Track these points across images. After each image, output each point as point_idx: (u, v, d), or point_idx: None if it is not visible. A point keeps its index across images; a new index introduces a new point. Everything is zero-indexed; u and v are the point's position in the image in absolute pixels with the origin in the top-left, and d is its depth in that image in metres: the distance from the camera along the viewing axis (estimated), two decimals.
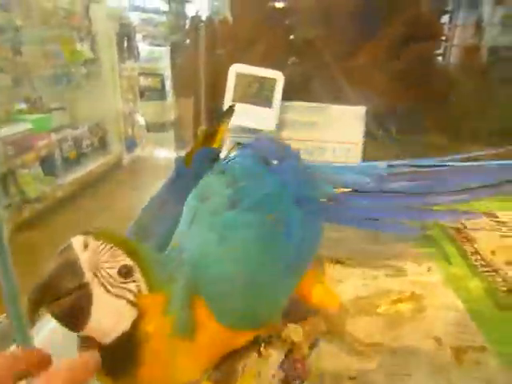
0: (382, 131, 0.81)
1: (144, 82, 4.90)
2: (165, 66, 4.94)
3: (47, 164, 3.18)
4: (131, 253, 0.31)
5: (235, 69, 0.76)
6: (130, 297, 0.30)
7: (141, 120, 4.49)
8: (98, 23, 3.97)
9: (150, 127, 4.48)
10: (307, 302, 0.42)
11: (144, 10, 5.28)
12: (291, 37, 0.89)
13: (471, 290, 0.52)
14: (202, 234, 0.37)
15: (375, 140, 0.83)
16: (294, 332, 0.41)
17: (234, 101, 0.78)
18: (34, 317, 0.28)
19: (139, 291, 0.30)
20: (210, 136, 0.53)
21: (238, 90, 0.77)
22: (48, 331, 0.44)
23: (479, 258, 0.60)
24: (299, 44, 0.88)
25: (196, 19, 0.92)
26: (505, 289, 0.52)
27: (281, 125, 0.83)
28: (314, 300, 0.42)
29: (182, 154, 0.57)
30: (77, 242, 0.29)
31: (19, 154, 2.75)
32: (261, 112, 0.78)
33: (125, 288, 0.30)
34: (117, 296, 0.29)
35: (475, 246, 0.63)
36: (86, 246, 0.29)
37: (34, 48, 3.26)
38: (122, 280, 0.30)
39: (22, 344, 0.34)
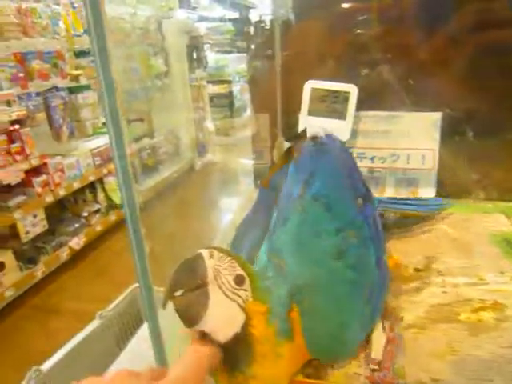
0: (458, 136, 0.81)
1: (212, 89, 5.14)
2: (231, 73, 5.12)
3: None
4: (243, 266, 0.38)
5: (310, 85, 0.81)
6: (241, 302, 0.36)
7: (210, 126, 4.71)
8: (170, 38, 4.23)
9: (220, 132, 4.68)
10: None
11: (210, 20, 5.51)
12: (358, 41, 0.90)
13: None
14: (304, 258, 0.43)
15: (451, 145, 0.82)
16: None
17: (308, 114, 0.83)
18: (165, 305, 0.36)
19: (247, 299, 0.36)
20: (285, 156, 0.59)
21: (312, 103, 0.82)
22: None
23: None
24: (368, 48, 0.90)
25: (259, 24, 0.95)
26: None
27: (354, 134, 0.86)
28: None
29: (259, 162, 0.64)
30: (205, 252, 0.37)
31: (105, 164, 3.04)
32: (335, 124, 0.81)
33: (237, 294, 0.36)
34: (230, 299, 0.36)
35: None
36: (211, 256, 0.36)
37: (116, 66, 3.57)
38: (236, 287, 0.36)
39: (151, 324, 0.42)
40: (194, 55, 5.14)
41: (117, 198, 3.16)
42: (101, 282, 2.41)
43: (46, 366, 1.01)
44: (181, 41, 4.37)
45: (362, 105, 0.83)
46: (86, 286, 2.40)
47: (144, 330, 0.55)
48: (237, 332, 0.36)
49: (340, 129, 0.82)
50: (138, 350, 0.49)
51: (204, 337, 0.36)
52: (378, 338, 0.46)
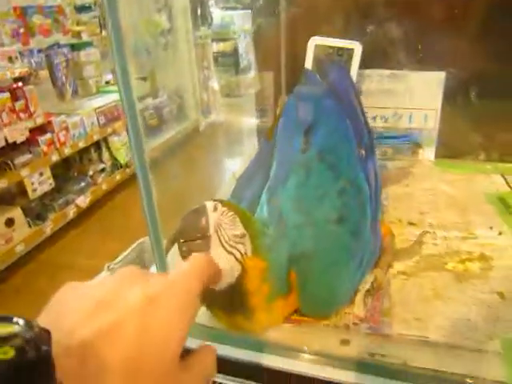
0: (461, 96, 0.81)
1: (217, 47, 5.00)
2: (237, 30, 4.96)
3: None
4: (245, 222, 0.40)
5: (314, 41, 0.80)
6: (238, 255, 0.39)
7: (215, 86, 4.63)
8: None
9: (225, 92, 4.61)
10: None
11: None
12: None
13: None
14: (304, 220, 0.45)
15: (454, 106, 0.83)
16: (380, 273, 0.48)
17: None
18: (168, 250, 0.39)
19: (246, 253, 0.39)
20: None
21: (316, 61, 0.81)
22: None
23: None
24: (373, 4, 0.88)
25: None
26: None
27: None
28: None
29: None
30: (209, 204, 0.39)
31: (110, 123, 3.03)
32: None
33: (236, 248, 0.39)
34: (228, 252, 0.38)
35: None
36: (215, 209, 0.39)
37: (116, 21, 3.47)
38: (235, 241, 0.39)
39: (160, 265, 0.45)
40: (199, 11, 4.96)
41: (121, 158, 3.18)
42: (107, 238, 2.48)
43: None
44: None
45: (366, 62, 0.83)
46: (93, 243, 2.47)
47: None
48: (231, 282, 0.38)
49: None
50: None
51: None
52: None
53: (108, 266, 1.28)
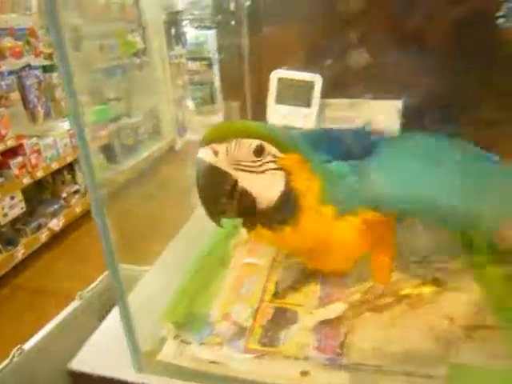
0: (416, 123, 0.85)
1: (192, 66, 5.05)
2: (211, 49, 5.04)
3: (108, 152, 3.44)
4: (253, 134, 0.39)
5: (276, 74, 0.84)
6: (272, 165, 0.39)
7: (190, 105, 4.66)
8: (148, 13, 4.12)
9: (200, 111, 4.64)
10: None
11: None
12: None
13: (490, 275, 0.57)
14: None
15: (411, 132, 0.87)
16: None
17: (276, 102, 0.86)
18: (218, 220, 0.40)
19: (276, 157, 0.39)
20: None
21: (279, 92, 0.85)
22: None
23: (503, 245, 0.65)
24: (333, 38, 0.92)
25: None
26: None
27: (322, 121, 0.90)
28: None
29: None
30: (205, 154, 0.38)
31: None
32: (301, 112, 0.85)
33: (264, 162, 0.39)
34: (263, 172, 0.39)
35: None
36: (216, 154, 0.38)
37: (91, 43, 3.48)
38: (259, 158, 0.39)
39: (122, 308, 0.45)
40: (173, 31, 5.03)
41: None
42: (82, 261, 2.43)
43: (29, 344, 1.05)
44: (159, 17, 4.26)
45: (328, 93, 0.87)
46: (67, 266, 2.42)
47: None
48: (281, 190, 0.39)
49: (306, 116, 0.85)
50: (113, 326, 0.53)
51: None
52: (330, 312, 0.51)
53: (80, 295, 1.26)
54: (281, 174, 0.39)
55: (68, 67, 0.38)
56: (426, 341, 0.47)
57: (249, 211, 0.39)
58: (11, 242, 2.39)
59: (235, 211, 0.39)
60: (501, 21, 1.01)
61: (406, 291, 0.56)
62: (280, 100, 0.85)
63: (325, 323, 0.50)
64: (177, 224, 0.92)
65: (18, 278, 2.35)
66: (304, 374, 0.44)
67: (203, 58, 5.21)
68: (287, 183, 0.40)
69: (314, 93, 0.83)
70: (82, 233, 2.84)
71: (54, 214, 2.71)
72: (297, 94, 0.84)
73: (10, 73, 2.62)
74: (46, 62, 2.93)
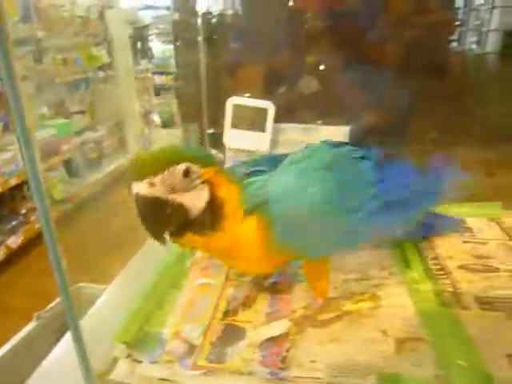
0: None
1: (158, 80, 5.06)
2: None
3: (71, 166, 3.38)
4: (178, 160, 0.44)
5: (232, 101, 0.88)
6: (198, 181, 0.45)
7: (156, 119, 4.65)
8: (113, 28, 4.10)
9: (165, 125, 4.64)
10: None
11: (156, 8, 5.38)
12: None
13: (422, 291, 0.63)
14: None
15: None
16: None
17: (232, 127, 0.91)
18: (163, 240, 0.46)
19: (199, 173, 0.45)
20: None
21: (235, 117, 0.90)
22: None
23: (437, 262, 0.71)
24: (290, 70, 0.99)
25: (206, 16, 0.97)
26: (450, 290, 0.64)
27: (276, 144, 0.95)
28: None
29: None
30: (141, 187, 0.43)
31: (46, 159, 2.94)
32: (256, 136, 0.90)
33: (192, 181, 0.45)
34: (193, 189, 0.45)
35: (437, 251, 0.75)
36: (151, 185, 0.43)
37: (54, 56, 3.43)
38: (188, 179, 0.44)
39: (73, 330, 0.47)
40: (139, 46, 5.03)
41: (57, 194, 3.07)
42: (43, 279, 2.35)
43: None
44: (124, 31, 4.26)
45: (282, 117, 0.92)
46: (28, 284, 2.34)
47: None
48: (206, 200, 0.46)
49: (261, 140, 0.90)
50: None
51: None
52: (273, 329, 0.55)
53: (37, 315, 1.24)
54: (205, 186, 0.46)
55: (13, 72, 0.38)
56: (361, 353, 0.52)
57: (182, 222, 0.45)
58: None
59: (172, 225, 0.45)
60: (451, 46, 1.11)
61: (347, 307, 0.61)
62: (235, 125, 0.90)
63: (270, 339, 0.54)
64: (138, 241, 0.94)
65: None
66: None
67: (169, 73, 5.22)
68: (211, 193, 0.46)
69: (267, 118, 0.88)
70: (43, 249, 2.76)
71: (13, 231, 2.63)
72: (252, 120, 0.89)
73: None
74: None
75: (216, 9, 0.99)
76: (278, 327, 0.55)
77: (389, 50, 0.99)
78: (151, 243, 0.82)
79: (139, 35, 4.91)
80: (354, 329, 0.57)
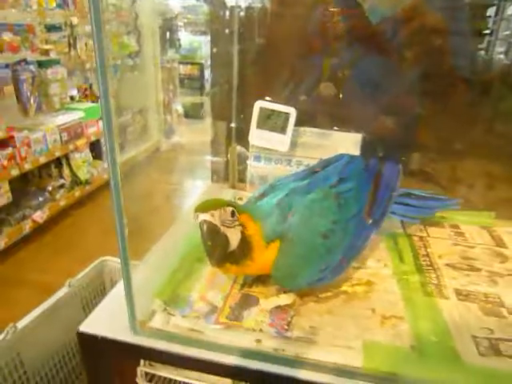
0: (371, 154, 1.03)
1: (183, 70, 5.19)
2: (204, 55, 5.16)
3: (96, 149, 3.54)
4: (227, 205, 0.62)
5: (259, 104, 1.00)
6: (237, 223, 0.61)
7: (179, 108, 4.79)
8: (143, 17, 4.22)
9: (188, 114, 4.77)
10: None
11: None
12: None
13: (410, 281, 0.74)
14: (303, 220, 0.67)
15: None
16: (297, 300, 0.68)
17: (257, 127, 1.02)
18: (217, 264, 0.63)
19: (238, 216, 0.61)
20: None
21: (260, 119, 1.01)
22: None
23: (427, 259, 0.82)
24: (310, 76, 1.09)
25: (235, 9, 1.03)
26: (435, 282, 0.75)
27: (295, 145, 1.06)
28: None
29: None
30: (208, 217, 0.59)
31: (72, 140, 3.09)
32: (277, 137, 1.01)
33: (234, 221, 0.61)
34: (233, 227, 0.61)
35: (428, 250, 0.85)
36: (212, 216, 0.59)
37: (86, 42, 3.57)
38: (233, 219, 0.61)
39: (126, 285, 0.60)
40: (167, 36, 5.15)
41: (82, 175, 3.23)
42: (61, 255, 2.51)
43: (22, 323, 1.16)
44: (154, 21, 4.38)
45: (302, 121, 1.03)
46: (47, 259, 2.49)
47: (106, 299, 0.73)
48: (240, 238, 0.62)
49: (281, 141, 1.01)
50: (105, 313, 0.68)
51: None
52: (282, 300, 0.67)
53: (69, 282, 1.38)
54: (239, 228, 0.62)
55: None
56: (351, 324, 0.63)
57: (225, 251, 0.61)
58: None
59: (219, 249, 0.61)
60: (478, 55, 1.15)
61: (344, 288, 0.72)
62: (260, 125, 1.01)
63: (278, 307, 0.66)
64: (159, 223, 1.06)
65: None
66: (258, 341, 0.59)
67: (195, 63, 5.33)
68: (243, 232, 0.63)
69: (289, 122, 0.99)
70: (64, 226, 2.93)
71: (39, 206, 2.79)
72: (275, 122, 1.00)
73: (6, 66, 2.71)
74: (42, 58, 3.02)
75: (245, 2, 1.05)
76: (286, 298, 0.67)
77: (412, 56, 1.07)
78: (177, 227, 0.94)
79: (168, 25, 5.04)
80: (348, 306, 0.68)
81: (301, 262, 0.65)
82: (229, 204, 0.62)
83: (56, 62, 3.12)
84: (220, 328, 0.62)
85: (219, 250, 0.60)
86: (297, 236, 0.65)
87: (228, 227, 0.61)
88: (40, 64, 2.95)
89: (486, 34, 1.12)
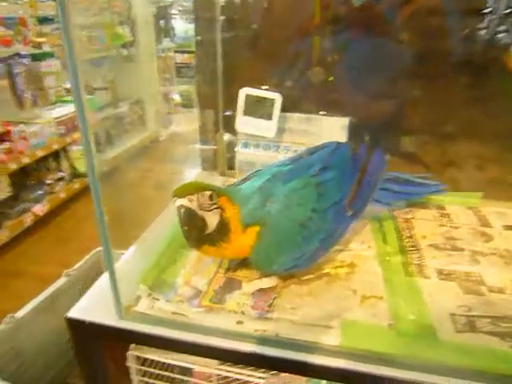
0: (359, 137, 1.03)
1: (180, 59, 5.15)
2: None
3: (94, 141, 3.53)
4: (206, 188, 0.63)
5: (244, 91, 1.00)
6: (215, 206, 0.63)
7: (176, 97, 4.77)
8: (137, 7, 4.19)
9: (185, 104, 4.75)
10: None
11: None
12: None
13: (392, 262, 0.76)
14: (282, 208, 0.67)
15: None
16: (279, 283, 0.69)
17: (243, 114, 1.03)
18: (194, 245, 0.65)
19: (217, 200, 0.63)
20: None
21: (246, 106, 1.01)
22: None
23: (411, 240, 0.83)
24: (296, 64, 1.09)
25: None
26: (417, 262, 0.76)
27: (283, 131, 1.07)
28: None
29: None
30: (185, 202, 0.61)
31: (69, 133, 3.10)
32: (263, 123, 1.02)
33: (212, 204, 0.63)
34: (211, 210, 0.63)
35: (412, 232, 0.86)
36: (190, 201, 0.61)
37: (80, 34, 3.55)
38: (211, 202, 0.63)
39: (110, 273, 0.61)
40: (162, 24, 5.10)
41: (80, 167, 3.24)
42: (64, 247, 2.54)
43: (20, 314, 1.19)
44: (148, 10, 4.34)
45: (288, 107, 1.04)
46: (47, 251, 2.52)
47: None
48: (218, 220, 0.63)
49: (268, 127, 1.02)
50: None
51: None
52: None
53: (66, 273, 1.41)
54: (218, 210, 0.64)
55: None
56: (331, 305, 0.65)
57: (202, 234, 0.63)
58: None
59: (196, 232, 0.63)
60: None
61: (327, 270, 0.74)
62: (247, 112, 1.02)
63: (260, 290, 0.67)
64: (153, 211, 1.07)
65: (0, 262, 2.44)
66: (239, 322, 0.61)
67: (191, 52, 5.29)
68: (221, 215, 0.64)
69: (274, 108, 1.00)
70: (64, 218, 2.95)
71: (39, 199, 2.82)
72: (261, 109, 1.01)
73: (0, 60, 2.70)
74: (35, 51, 3.01)
75: None
76: (268, 281, 0.68)
77: (405, 37, 1.06)
78: (165, 214, 0.96)
79: (162, 14, 4.99)
80: (330, 287, 0.70)
81: (277, 249, 0.66)
82: (207, 187, 0.63)
83: (50, 55, 3.11)
84: (202, 311, 0.63)
85: (196, 232, 0.62)
86: (275, 223, 0.65)
87: (206, 210, 0.62)
88: (34, 57, 2.94)
89: (486, 12, 1.10)
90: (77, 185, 3.15)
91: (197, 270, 0.74)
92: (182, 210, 0.60)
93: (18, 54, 2.81)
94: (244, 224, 0.65)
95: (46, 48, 3.06)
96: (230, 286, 0.69)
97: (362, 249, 0.80)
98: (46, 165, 3.02)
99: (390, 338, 0.59)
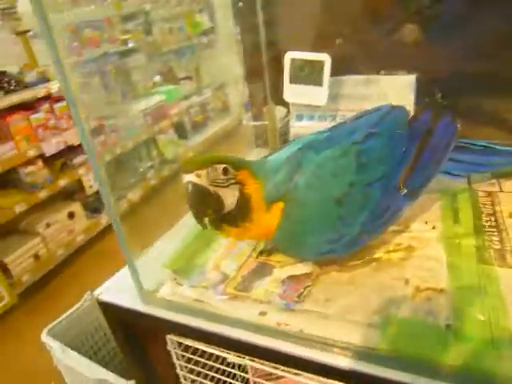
0: (429, 97, 0.86)
1: None
2: None
3: (179, 129, 3.71)
4: (219, 161, 0.55)
5: (289, 55, 0.90)
6: (232, 181, 0.55)
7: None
8: None
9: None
10: None
11: None
12: None
13: (463, 246, 0.61)
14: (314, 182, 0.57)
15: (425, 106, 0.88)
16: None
17: (290, 82, 0.93)
18: (204, 224, 0.55)
19: (234, 174, 0.55)
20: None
21: (292, 72, 0.91)
22: None
23: (493, 219, 0.66)
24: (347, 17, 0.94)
25: None
26: (497, 247, 0.60)
27: (335, 98, 0.94)
28: None
29: None
30: (192, 178, 0.53)
31: (157, 122, 3.27)
32: (313, 90, 0.90)
33: (228, 179, 0.54)
34: (227, 186, 0.54)
35: (496, 208, 0.69)
36: (198, 176, 0.53)
37: (161, 26, 3.70)
38: (226, 177, 0.54)
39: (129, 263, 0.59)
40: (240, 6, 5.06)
41: (168, 153, 3.43)
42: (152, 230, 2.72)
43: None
44: None
45: (341, 69, 0.91)
46: (139, 233, 2.73)
47: None
48: (238, 197, 0.55)
49: (318, 94, 0.91)
50: None
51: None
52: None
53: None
54: (237, 186, 0.55)
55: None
56: (375, 296, 0.54)
57: (220, 213, 0.55)
58: (96, 210, 2.76)
59: (210, 210, 0.54)
60: None
61: (378, 255, 0.62)
62: (294, 80, 0.91)
63: (293, 277, 0.59)
64: None
65: (100, 243, 2.70)
66: (262, 313, 0.54)
67: None
68: (241, 191, 0.55)
69: (324, 72, 0.88)
70: (156, 203, 3.16)
71: (132, 187, 3.04)
72: (309, 74, 0.90)
73: (91, 60, 2.95)
74: (122, 48, 3.21)
75: None
76: (301, 267, 0.59)
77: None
78: None
79: None
80: (377, 275, 0.58)
81: (304, 229, 0.55)
82: (222, 160, 0.55)
83: (135, 50, 3.30)
84: (226, 298, 0.58)
85: (210, 211, 0.54)
86: (302, 198, 0.55)
87: (220, 186, 0.54)
88: (120, 54, 3.15)
89: None
90: (166, 172, 3.33)
91: (229, 254, 0.68)
92: (190, 187, 0.53)
93: (106, 53, 3.03)
94: (268, 200, 0.56)
95: (131, 44, 3.25)
96: (261, 271, 0.62)
97: (424, 229, 0.66)
98: (138, 154, 3.24)
99: (446, 344, 0.46)
